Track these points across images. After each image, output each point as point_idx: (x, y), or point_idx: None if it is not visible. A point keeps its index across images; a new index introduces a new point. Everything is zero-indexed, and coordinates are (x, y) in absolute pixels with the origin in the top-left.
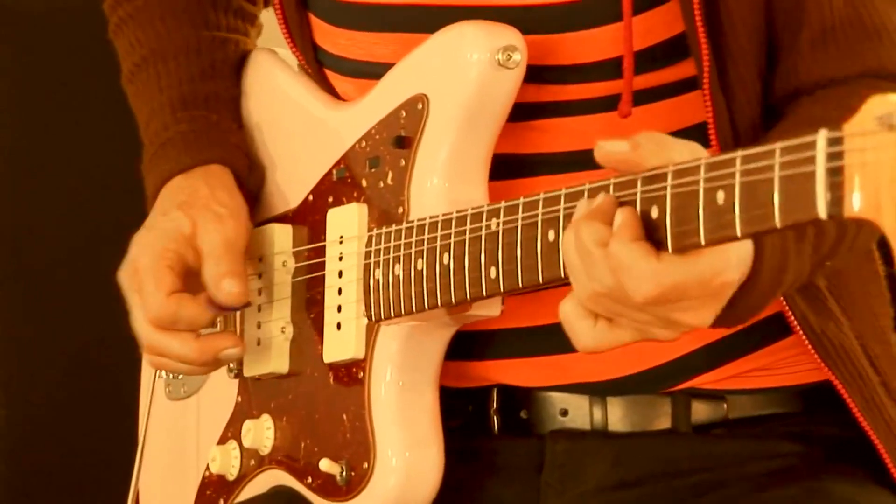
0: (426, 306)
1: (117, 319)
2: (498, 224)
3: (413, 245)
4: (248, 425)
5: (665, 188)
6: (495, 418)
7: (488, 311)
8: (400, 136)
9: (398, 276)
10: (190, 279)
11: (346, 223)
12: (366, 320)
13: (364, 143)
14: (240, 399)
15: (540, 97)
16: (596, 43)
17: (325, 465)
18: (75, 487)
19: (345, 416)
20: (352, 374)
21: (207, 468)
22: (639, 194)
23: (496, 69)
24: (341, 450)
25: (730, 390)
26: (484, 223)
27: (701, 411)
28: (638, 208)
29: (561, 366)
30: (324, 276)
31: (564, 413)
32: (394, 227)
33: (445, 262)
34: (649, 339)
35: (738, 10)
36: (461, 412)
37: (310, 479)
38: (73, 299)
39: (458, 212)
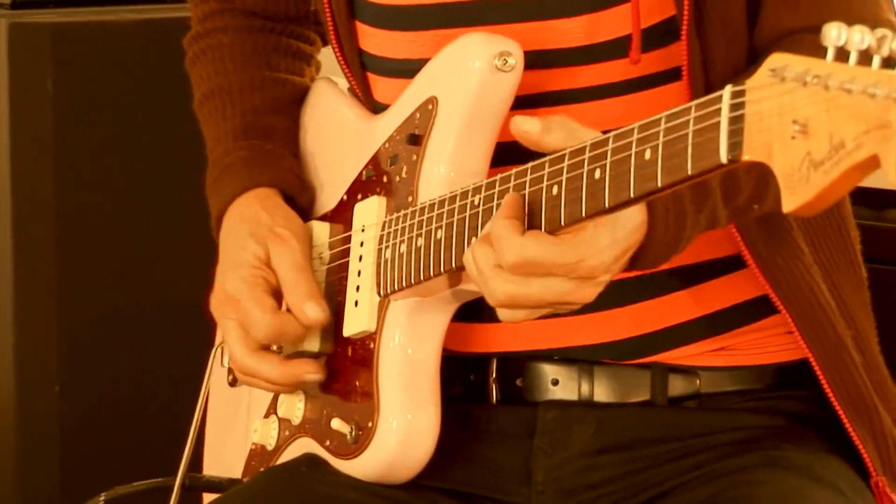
0: (422, 277)
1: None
2: (479, 200)
3: (415, 227)
4: (282, 398)
5: (562, 170)
6: (494, 387)
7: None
8: (413, 133)
9: (402, 253)
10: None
11: (368, 214)
12: (378, 297)
13: (388, 145)
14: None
15: (542, 87)
16: (603, 24)
17: (336, 423)
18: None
19: (357, 384)
20: (365, 346)
21: (254, 448)
22: (545, 178)
23: (494, 73)
24: (352, 412)
25: (703, 366)
26: (469, 200)
27: (676, 385)
28: (544, 192)
29: (553, 330)
30: (348, 262)
31: (555, 383)
32: (401, 213)
33: (438, 236)
34: (556, 311)
35: None
36: (462, 380)
37: (328, 442)
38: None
39: (449, 193)
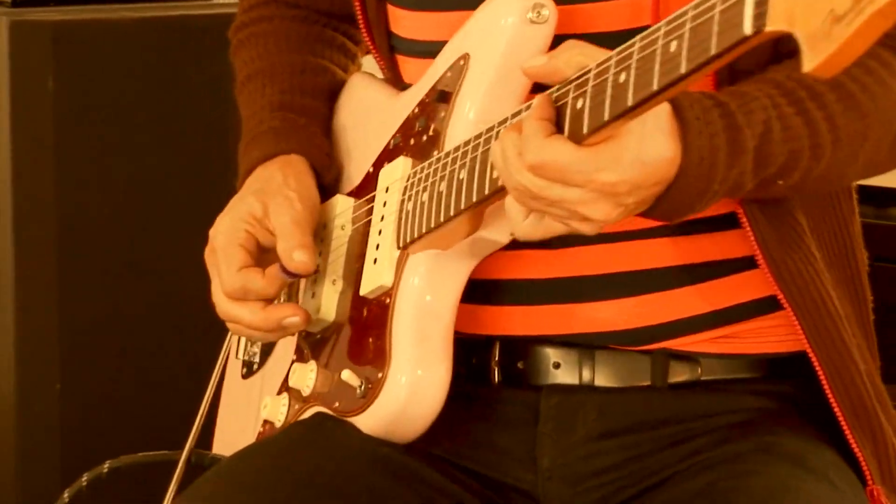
0: (442, 219)
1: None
2: (503, 128)
3: (438, 171)
4: (294, 367)
5: (587, 81)
6: (496, 370)
7: (498, 235)
8: (443, 91)
9: (424, 201)
10: (263, 256)
11: (393, 174)
12: (397, 254)
13: (417, 110)
14: (295, 357)
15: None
16: (626, 11)
17: (347, 375)
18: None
19: (370, 340)
20: (381, 303)
21: (263, 424)
22: (570, 93)
23: (528, 25)
24: (363, 367)
25: (703, 353)
26: (495, 131)
27: (677, 371)
28: (569, 106)
29: (557, 316)
30: (368, 229)
31: (557, 366)
32: (424, 164)
33: (461, 176)
34: (574, 231)
35: None
36: (465, 363)
37: (336, 404)
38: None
39: (473, 138)
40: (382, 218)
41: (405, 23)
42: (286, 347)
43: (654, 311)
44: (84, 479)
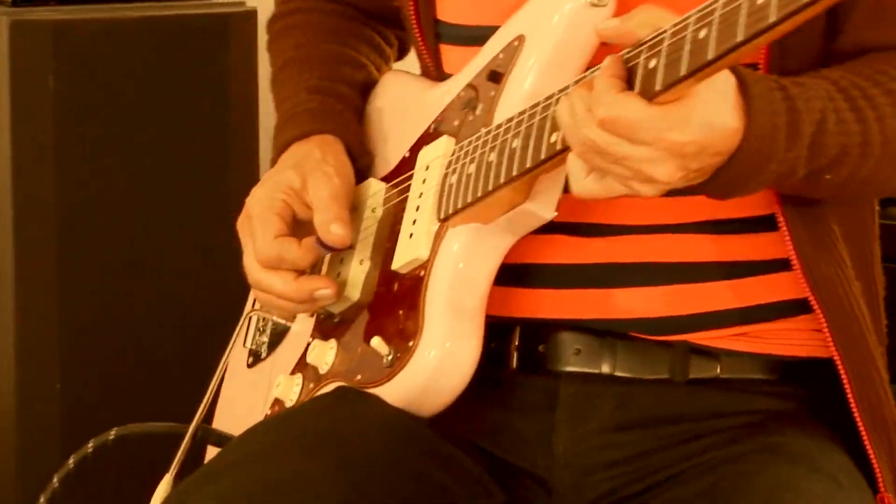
0: (490, 187)
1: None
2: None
3: (487, 144)
4: (314, 343)
5: (662, 41)
6: (514, 355)
7: (543, 209)
8: (494, 71)
9: (470, 173)
10: (297, 228)
11: (434, 153)
12: (435, 227)
13: (462, 93)
14: (311, 340)
15: None
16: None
17: (376, 342)
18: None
19: (400, 312)
20: (415, 276)
21: (273, 403)
22: (642, 54)
23: (587, 8)
24: (393, 336)
25: (724, 349)
26: (553, 100)
27: (696, 367)
28: (641, 66)
29: (584, 300)
30: (405, 206)
31: (577, 352)
32: (472, 138)
33: (514, 145)
34: (634, 194)
35: None
36: (484, 346)
37: (359, 377)
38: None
39: (529, 108)
40: (421, 195)
41: (454, 7)
42: (300, 330)
43: (681, 302)
44: (90, 445)
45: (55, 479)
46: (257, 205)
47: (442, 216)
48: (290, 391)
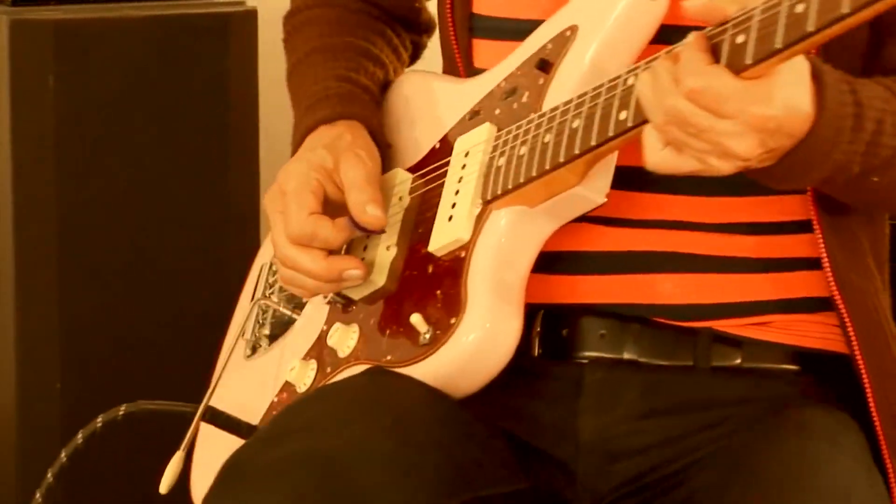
0: (548, 166)
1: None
2: (636, 77)
3: (542, 125)
4: (336, 326)
5: (751, 17)
6: (536, 341)
7: (595, 194)
8: (544, 60)
9: (522, 154)
10: (328, 208)
11: (475, 139)
12: (478, 209)
13: (504, 84)
14: (325, 327)
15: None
16: None
17: (416, 318)
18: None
19: (439, 292)
20: (455, 257)
21: (285, 383)
22: (728, 30)
23: (643, 2)
24: (432, 314)
25: (745, 337)
26: (622, 79)
27: (719, 354)
28: (727, 42)
29: (611, 285)
30: (439, 193)
31: (602, 336)
32: (522, 121)
33: (575, 125)
34: (710, 173)
35: None
36: None
37: (389, 356)
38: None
39: (591, 90)
40: (461, 179)
41: (493, 1)
42: (312, 318)
43: (707, 291)
44: (99, 420)
45: (63, 455)
46: (292, 181)
47: (489, 196)
48: (305, 376)
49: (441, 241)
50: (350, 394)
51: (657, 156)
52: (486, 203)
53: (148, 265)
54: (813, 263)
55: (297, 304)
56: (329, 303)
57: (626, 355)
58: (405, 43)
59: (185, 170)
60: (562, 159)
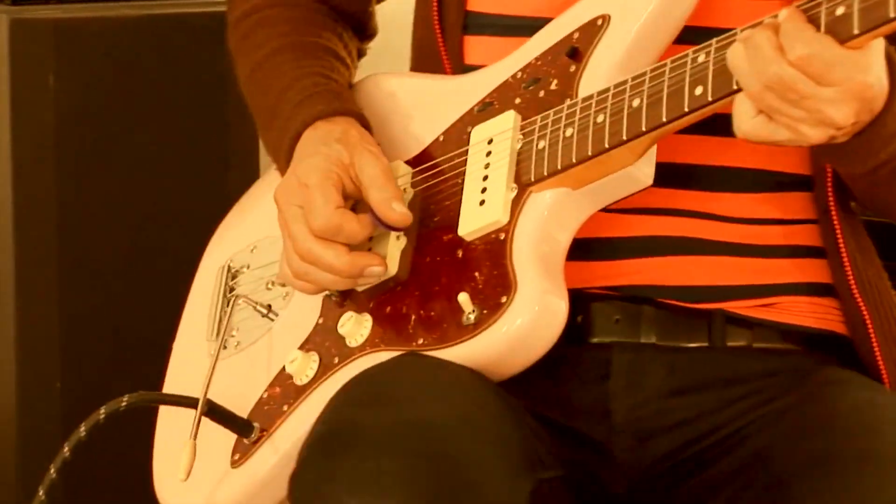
0: (608, 144)
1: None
2: (709, 55)
3: (591, 107)
4: (348, 314)
5: None
6: None
7: (645, 175)
8: (573, 47)
9: (570, 135)
10: (345, 203)
11: (498, 127)
12: (513, 192)
13: (521, 74)
14: (321, 320)
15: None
16: None
17: (463, 298)
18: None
19: (477, 274)
20: (493, 239)
21: (277, 376)
22: (823, 4)
23: None
24: (476, 294)
25: (755, 318)
26: (689, 58)
27: (732, 335)
28: (824, 14)
29: (617, 270)
30: (458, 181)
31: (617, 321)
32: (563, 105)
33: (635, 104)
34: (798, 142)
35: None
36: None
37: (421, 340)
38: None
39: (650, 70)
40: (488, 166)
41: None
42: (304, 310)
43: (718, 273)
44: (102, 411)
45: (66, 449)
46: (313, 174)
47: (532, 179)
48: (307, 367)
49: (474, 224)
50: (422, 371)
51: (748, 123)
52: (526, 186)
53: (148, 265)
54: (816, 252)
55: (268, 304)
56: (320, 294)
57: (644, 339)
58: (355, 48)
59: (185, 169)
60: (625, 137)
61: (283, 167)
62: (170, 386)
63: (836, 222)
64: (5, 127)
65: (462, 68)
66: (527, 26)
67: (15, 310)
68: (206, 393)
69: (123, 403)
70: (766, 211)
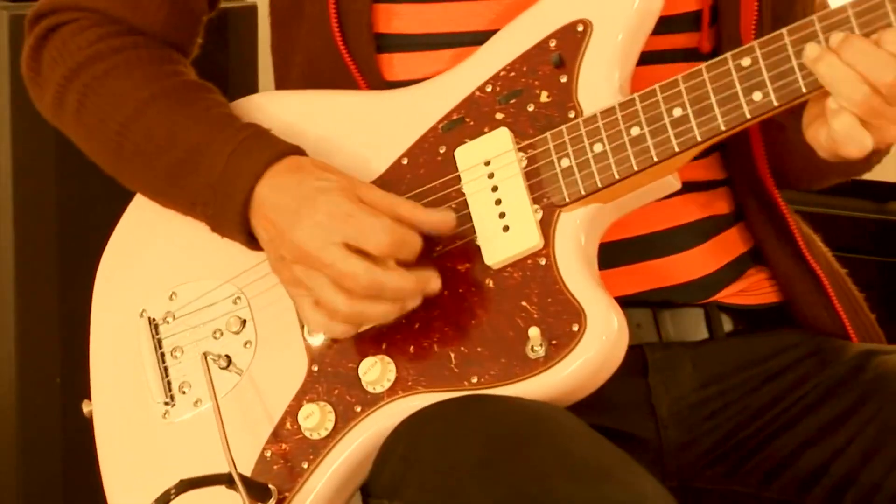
0: (657, 157)
1: None
2: (756, 59)
3: (620, 120)
4: (369, 361)
5: None
6: None
7: (676, 177)
8: (558, 56)
9: (602, 151)
10: None
11: (492, 147)
12: (539, 214)
13: (491, 87)
14: (315, 367)
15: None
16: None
17: (535, 332)
18: None
19: (525, 303)
20: (527, 266)
21: (278, 432)
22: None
23: None
24: (540, 325)
25: (733, 304)
26: (732, 65)
27: (726, 322)
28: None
29: (634, 275)
30: (458, 207)
31: (638, 326)
32: (583, 117)
33: (676, 114)
34: (884, 145)
35: None
36: None
37: (475, 379)
38: None
39: (683, 78)
40: (496, 189)
41: (402, 20)
42: (281, 360)
43: (701, 265)
44: None
45: None
46: (344, 204)
47: (567, 199)
48: (325, 420)
49: (505, 252)
50: (535, 419)
51: (854, 133)
52: (557, 206)
53: None
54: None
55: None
56: (308, 335)
57: (663, 337)
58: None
59: None
60: (677, 149)
61: (235, 220)
62: (106, 457)
63: (782, 210)
64: (5, 126)
65: (384, 84)
66: (454, 42)
67: (15, 310)
68: (233, 463)
69: (172, 493)
70: (716, 260)
